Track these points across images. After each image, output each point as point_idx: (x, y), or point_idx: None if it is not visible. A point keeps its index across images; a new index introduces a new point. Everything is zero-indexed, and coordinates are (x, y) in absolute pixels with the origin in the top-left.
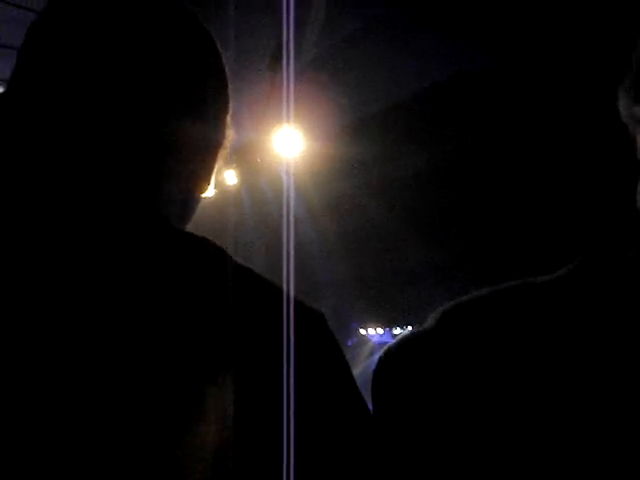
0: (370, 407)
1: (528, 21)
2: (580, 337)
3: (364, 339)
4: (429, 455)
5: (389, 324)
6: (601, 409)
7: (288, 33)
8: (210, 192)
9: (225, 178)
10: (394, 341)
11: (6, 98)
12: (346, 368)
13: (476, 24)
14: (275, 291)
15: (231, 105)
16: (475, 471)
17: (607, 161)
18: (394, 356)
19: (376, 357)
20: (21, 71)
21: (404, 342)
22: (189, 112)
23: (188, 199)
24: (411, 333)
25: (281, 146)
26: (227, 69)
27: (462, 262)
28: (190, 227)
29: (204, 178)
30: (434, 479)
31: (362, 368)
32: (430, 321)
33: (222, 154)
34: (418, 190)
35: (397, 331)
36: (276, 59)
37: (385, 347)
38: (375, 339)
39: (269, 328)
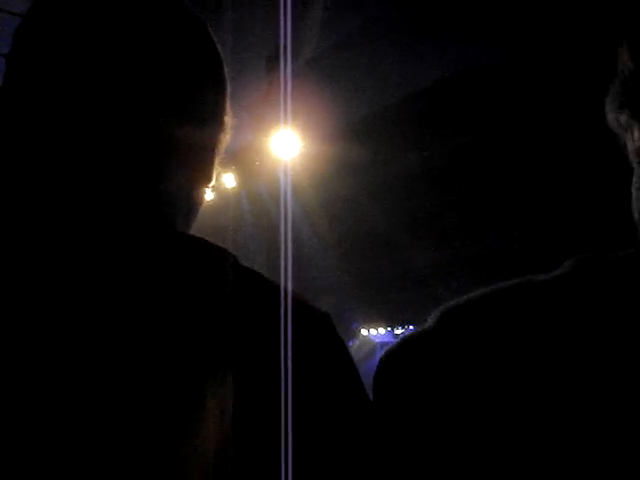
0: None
1: (525, 22)
2: (580, 335)
3: (366, 339)
4: (430, 453)
5: (391, 324)
6: (600, 408)
7: (286, 34)
8: (209, 195)
9: (224, 181)
10: (395, 342)
11: (2, 101)
12: (353, 368)
13: (473, 25)
14: (278, 292)
15: (229, 105)
16: (474, 470)
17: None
18: (395, 357)
19: (378, 357)
20: (12, 77)
21: (405, 343)
22: (187, 113)
23: (189, 199)
24: (412, 334)
25: (279, 148)
26: (226, 70)
27: (462, 261)
28: (190, 230)
29: (204, 178)
30: (434, 477)
31: (364, 368)
32: (430, 321)
33: (220, 154)
34: (417, 190)
35: (399, 331)
36: (274, 61)
37: (386, 348)
38: (377, 339)
39: (271, 328)
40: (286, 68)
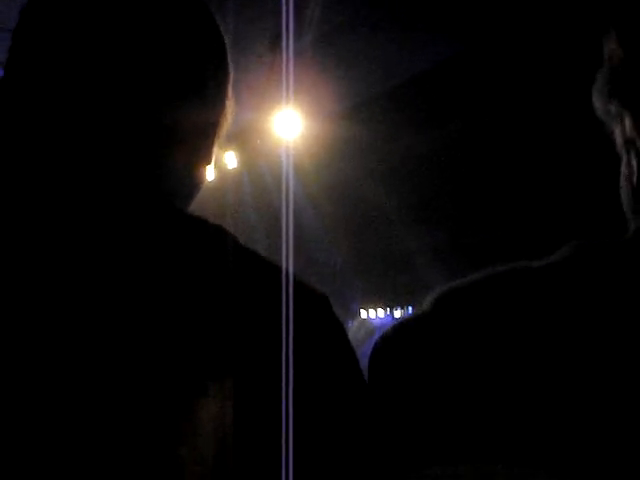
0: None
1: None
2: (576, 320)
3: (365, 320)
4: (424, 435)
5: (390, 305)
6: (598, 394)
7: (288, 15)
8: (210, 175)
9: (225, 161)
10: (390, 326)
11: (3, 83)
12: (350, 350)
13: (476, 7)
14: (278, 272)
15: (231, 86)
16: (469, 450)
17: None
18: (390, 340)
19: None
20: (16, 54)
21: (400, 326)
22: (188, 94)
23: (189, 179)
24: (407, 317)
25: (281, 128)
26: (229, 53)
27: (462, 244)
28: (190, 210)
29: (204, 158)
30: (429, 457)
31: (363, 349)
32: (425, 305)
33: (222, 134)
34: (418, 172)
35: (398, 312)
36: (276, 40)
37: (381, 332)
38: (376, 320)
39: (271, 309)
40: (288, 48)
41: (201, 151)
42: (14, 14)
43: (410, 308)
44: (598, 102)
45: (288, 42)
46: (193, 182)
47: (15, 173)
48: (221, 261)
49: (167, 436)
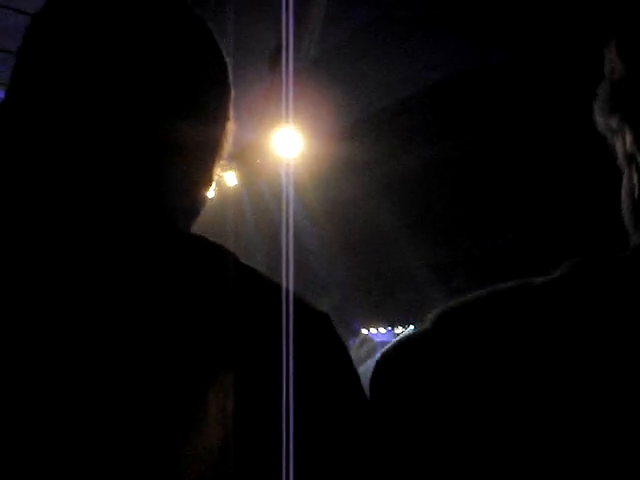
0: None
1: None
2: (578, 338)
3: (366, 338)
4: (425, 455)
5: (391, 323)
6: (600, 411)
7: (287, 33)
8: (210, 194)
9: (225, 180)
10: (391, 344)
11: (7, 101)
12: (351, 368)
13: (477, 23)
14: (278, 290)
15: (231, 105)
16: (471, 470)
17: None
18: (392, 359)
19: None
20: (20, 74)
21: (401, 345)
22: (189, 114)
23: (190, 200)
24: (408, 335)
25: (281, 147)
26: (230, 74)
27: (463, 262)
28: (191, 229)
29: (205, 177)
30: (430, 477)
31: (365, 367)
32: (427, 323)
33: (222, 154)
34: (418, 190)
35: (399, 330)
36: (276, 59)
37: (383, 350)
38: (377, 338)
39: (271, 327)
40: (288, 66)
41: (202, 170)
42: (17, 37)
43: (411, 326)
44: (599, 117)
45: (288, 60)
46: (194, 201)
47: (16, 189)
48: (221, 279)
49: (168, 436)
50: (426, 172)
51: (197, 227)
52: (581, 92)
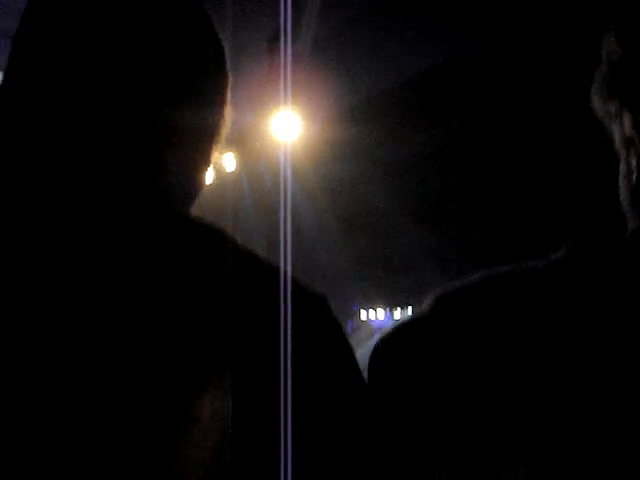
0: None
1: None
2: (574, 321)
3: (364, 322)
4: (422, 437)
5: (390, 306)
6: (597, 393)
7: (286, 16)
8: (209, 178)
9: (224, 163)
10: (389, 327)
11: (4, 86)
12: (349, 350)
13: (475, 6)
14: (276, 273)
15: (230, 90)
16: (467, 451)
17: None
18: (389, 341)
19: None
20: (17, 58)
21: (399, 328)
22: (187, 98)
23: (189, 183)
24: (406, 319)
25: (280, 130)
26: (228, 58)
27: (461, 244)
28: (189, 212)
29: (204, 161)
30: (427, 459)
31: (363, 350)
32: (425, 306)
33: (221, 138)
34: (417, 173)
35: (398, 313)
36: (274, 42)
37: (380, 333)
38: (375, 321)
39: (270, 310)
40: (286, 49)
41: (200, 154)
42: (14, 21)
43: (410, 309)
44: (597, 101)
45: (286, 43)
46: (193, 185)
47: (15, 177)
48: (220, 262)
49: (166, 435)
50: (425, 155)
51: (196, 210)
52: (573, 78)
